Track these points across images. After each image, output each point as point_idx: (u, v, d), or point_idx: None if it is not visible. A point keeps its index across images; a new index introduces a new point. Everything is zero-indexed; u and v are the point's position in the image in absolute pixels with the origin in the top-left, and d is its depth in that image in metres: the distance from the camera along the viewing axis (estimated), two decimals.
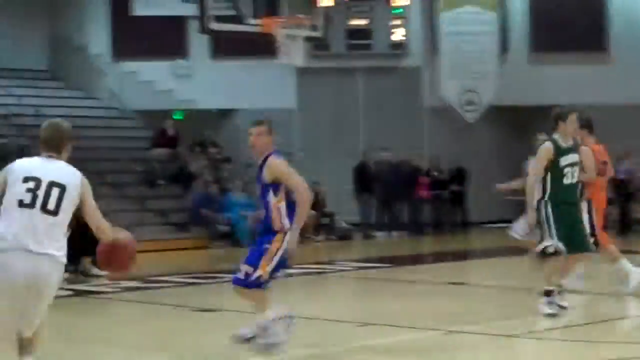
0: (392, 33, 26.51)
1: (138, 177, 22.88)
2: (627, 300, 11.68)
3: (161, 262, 17.31)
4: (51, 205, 6.34)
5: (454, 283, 13.99)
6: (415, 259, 18.97)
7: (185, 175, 22.95)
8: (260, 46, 21.56)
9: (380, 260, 18.04)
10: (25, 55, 26.03)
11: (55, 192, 6.37)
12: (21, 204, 6.30)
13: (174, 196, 22.80)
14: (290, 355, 8.23)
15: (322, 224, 22.42)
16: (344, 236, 22.84)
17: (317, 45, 24.46)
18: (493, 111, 26.23)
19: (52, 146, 6.57)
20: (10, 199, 6.33)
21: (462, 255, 19.59)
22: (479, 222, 25.72)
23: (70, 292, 12.29)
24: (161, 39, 26.11)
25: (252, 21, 19.05)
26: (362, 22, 26.55)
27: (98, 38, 26.54)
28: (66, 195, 6.39)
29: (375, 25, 26.47)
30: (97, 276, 14.72)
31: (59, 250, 6.36)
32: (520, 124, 27.04)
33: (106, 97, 26.22)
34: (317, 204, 20.81)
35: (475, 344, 9.15)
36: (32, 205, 6.30)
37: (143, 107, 25.67)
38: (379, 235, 23.35)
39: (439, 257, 19.27)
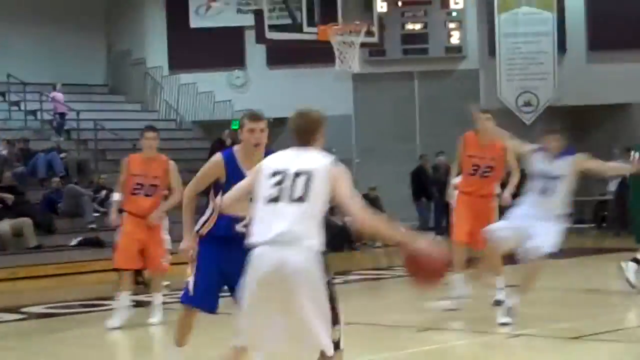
0: (448, 36, 26.45)
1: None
2: None
3: None
4: (297, 194, 5.80)
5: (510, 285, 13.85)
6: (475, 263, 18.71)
7: None
8: (317, 54, 21.63)
9: None
10: (84, 70, 26.38)
11: (301, 180, 5.83)
12: (269, 199, 5.85)
13: None
14: None
15: None
16: None
17: (373, 51, 24.48)
18: (552, 112, 26.03)
19: (301, 137, 6.04)
20: (259, 195, 5.91)
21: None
22: None
23: (132, 304, 12.36)
24: (218, 50, 26.30)
25: (308, 29, 19.10)
26: (417, 26, 26.52)
27: (156, 51, 26.83)
28: (313, 181, 5.81)
29: (431, 29, 26.41)
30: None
31: (313, 239, 5.75)
32: (579, 124, 26.82)
33: (164, 109, 26.47)
34: (374, 210, 20.75)
35: (537, 346, 9.10)
36: (279, 199, 5.82)
37: (201, 118, 25.86)
38: (438, 239, 23.22)
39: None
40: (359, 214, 5.83)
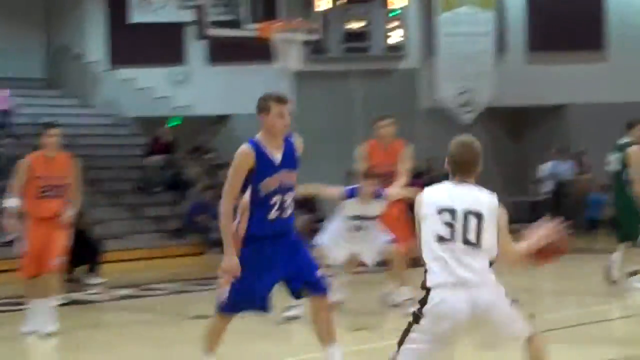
0: (389, 36, 26.51)
1: (134, 184, 22.85)
2: None
3: (157, 269, 17.29)
4: (471, 238, 5.74)
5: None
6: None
7: (181, 182, 22.94)
8: (257, 51, 21.56)
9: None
10: (22, 64, 26.04)
11: (472, 222, 5.73)
12: (441, 238, 5.76)
13: (170, 203, 22.76)
14: None
15: (315, 229, 22.31)
16: None
17: (314, 49, 24.47)
18: (490, 112, 26.21)
19: (462, 168, 5.87)
20: (429, 233, 5.77)
21: None
22: None
23: (65, 301, 12.25)
24: (158, 45, 26.11)
25: (250, 26, 19.03)
26: (359, 25, 26.55)
27: (95, 46, 26.58)
28: (483, 223, 5.76)
29: (372, 28, 26.46)
30: (93, 285, 14.70)
31: (490, 275, 5.80)
32: (518, 124, 27.08)
33: (103, 104, 26.24)
34: (310, 209, 20.78)
35: None
36: (452, 239, 5.71)
37: (140, 114, 25.67)
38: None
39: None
40: (513, 254, 5.95)
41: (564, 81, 25.98)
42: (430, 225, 5.75)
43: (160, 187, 22.84)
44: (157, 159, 23.05)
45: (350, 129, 25.93)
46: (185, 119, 25.42)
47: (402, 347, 5.71)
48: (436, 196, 5.83)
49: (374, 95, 26.12)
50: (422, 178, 24.69)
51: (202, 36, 20.30)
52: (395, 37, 26.50)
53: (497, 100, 26.00)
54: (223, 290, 7.11)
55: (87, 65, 26.44)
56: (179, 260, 19.15)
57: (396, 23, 26.50)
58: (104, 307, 13.25)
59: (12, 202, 10.34)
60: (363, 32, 26.43)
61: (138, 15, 26.20)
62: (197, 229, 21.08)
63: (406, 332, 5.74)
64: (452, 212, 5.73)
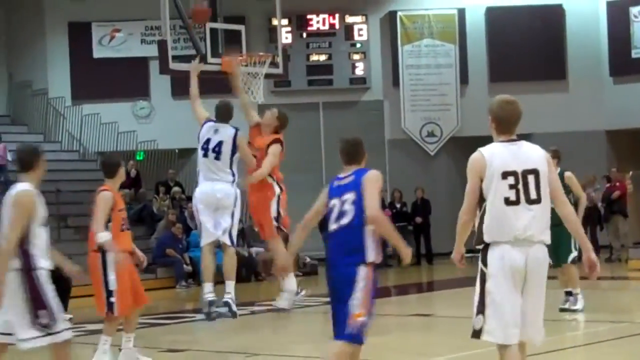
0: (353, 68, 26.68)
1: None
2: None
3: None
4: (533, 196, 6.27)
5: (420, 315, 14.01)
6: (381, 292, 18.74)
7: (149, 216, 22.87)
8: (222, 84, 21.54)
9: None
10: None
11: (531, 180, 6.30)
12: (508, 201, 6.20)
13: (138, 237, 22.62)
14: None
15: None
16: (310, 272, 22.81)
17: (278, 81, 24.54)
18: (454, 142, 26.39)
19: (511, 127, 6.63)
20: (495, 195, 6.26)
21: (427, 287, 19.56)
22: (443, 253, 25.76)
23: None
24: (122, 80, 26.10)
25: (212, 60, 19.05)
26: (322, 57, 26.70)
27: (58, 81, 26.51)
28: (541, 179, 6.32)
29: (335, 61, 26.63)
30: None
31: (547, 235, 6.31)
32: None
33: (67, 140, 26.14)
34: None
35: None
36: (517, 201, 6.23)
37: (105, 148, 25.60)
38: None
39: (404, 289, 19.22)
40: (567, 202, 6.51)
41: (526, 111, 26.05)
42: (497, 189, 6.17)
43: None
44: (123, 193, 22.93)
45: (317, 160, 26.04)
46: (150, 153, 25.37)
47: (486, 302, 6.11)
48: (497, 160, 6.27)
49: (339, 127, 26.20)
50: (393, 208, 24.86)
51: (165, 71, 20.26)
52: (359, 69, 26.67)
53: (460, 131, 26.20)
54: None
55: (51, 100, 26.36)
56: (149, 293, 19.01)
57: (360, 56, 26.69)
58: (73, 343, 13.13)
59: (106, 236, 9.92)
60: (327, 64, 26.58)
61: (101, 50, 26.21)
62: (166, 263, 21.03)
63: (482, 291, 6.14)
64: (514, 174, 6.21)
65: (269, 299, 15.56)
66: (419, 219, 24.93)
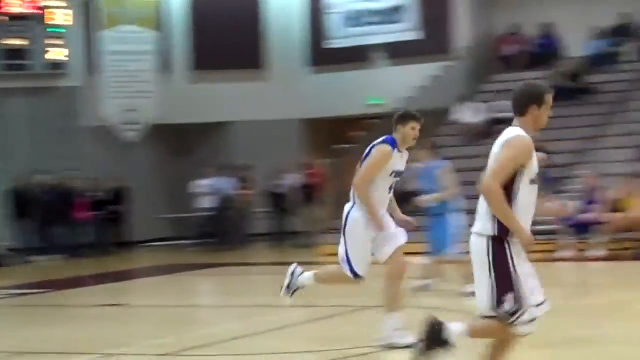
0: (49, 53, 25.85)
1: None
2: None
3: None
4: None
5: (111, 305, 13.82)
6: (73, 282, 18.20)
7: None
8: None
9: (38, 285, 17.31)
10: None
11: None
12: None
13: None
14: None
15: None
16: (1, 263, 22.12)
17: None
18: (156, 130, 26.24)
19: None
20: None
21: (121, 276, 19.16)
22: (142, 241, 25.63)
23: None
24: None
25: None
26: (18, 41, 25.75)
27: None
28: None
29: (32, 45, 25.74)
30: None
31: None
32: (183, 141, 27.26)
33: None
34: None
35: None
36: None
37: None
38: (39, 259, 22.77)
39: (98, 278, 18.76)
40: None
41: (227, 99, 26.47)
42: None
43: None
44: None
45: (9, 148, 25.09)
46: None
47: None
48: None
49: (34, 113, 25.45)
50: (88, 196, 24.35)
51: None
52: (55, 54, 25.89)
53: (162, 118, 26.08)
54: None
55: None
56: None
57: (58, 40, 25.93)
58: None
59: None
60: (23, 48, 25.68)
61: None
62: None
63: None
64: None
65: None
66: (114, 207, 24.54)
